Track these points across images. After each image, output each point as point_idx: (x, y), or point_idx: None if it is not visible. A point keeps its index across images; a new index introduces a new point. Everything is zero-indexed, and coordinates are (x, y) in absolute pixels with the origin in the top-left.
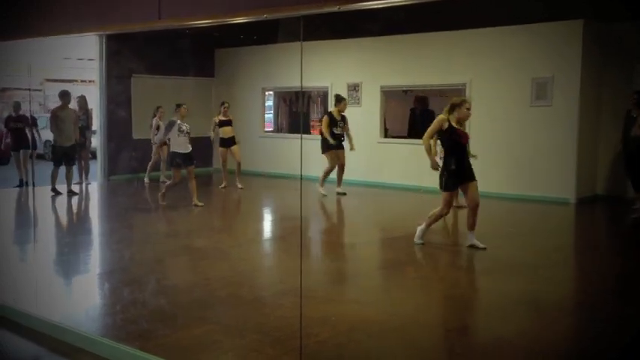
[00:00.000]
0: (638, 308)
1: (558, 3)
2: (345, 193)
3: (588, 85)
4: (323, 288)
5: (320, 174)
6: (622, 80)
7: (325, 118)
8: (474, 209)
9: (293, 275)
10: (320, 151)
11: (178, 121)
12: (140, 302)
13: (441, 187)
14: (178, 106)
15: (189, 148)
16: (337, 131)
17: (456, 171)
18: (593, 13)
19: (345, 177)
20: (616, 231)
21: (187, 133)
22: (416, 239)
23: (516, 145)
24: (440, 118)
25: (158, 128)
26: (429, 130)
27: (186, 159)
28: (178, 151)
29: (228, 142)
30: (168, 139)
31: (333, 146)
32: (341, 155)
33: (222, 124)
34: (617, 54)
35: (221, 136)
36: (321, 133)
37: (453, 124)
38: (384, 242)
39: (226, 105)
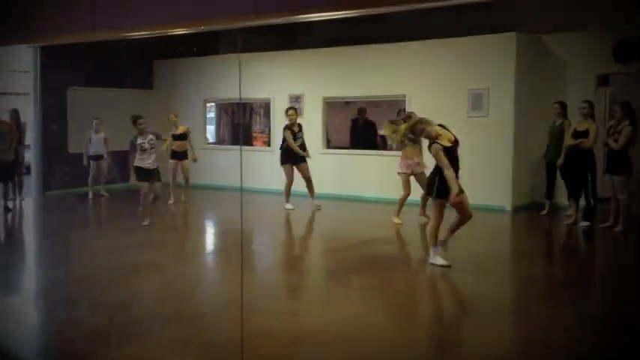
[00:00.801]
0: (566, 310)
1: (493, 17)
2: (319, 207)
3: (523, 95)
4: (265, 301)
5: (262, 185)
6: (553, 91)
7: (288, 133)
8: (463, 221)
9: (235, 289)
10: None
11: (139, 139)
12: (77, 321)
13: (430, 195)
14: (135, 119)
15: (152, 165)
16: (297, 143)
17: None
18: (526, 26)
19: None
20: (550, 238)
21: (149, 148)
22: (437, 262)
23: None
24: (437, 147)
25: (90, 141)
26: (445, 162)
27: (149, 174)
28: (141, 166)
29: (180, 156)
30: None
31: (292, 159)
32: (304, 168)
33: (175, 137)
34: (548, 65)
35: (173, 148)
36: (281, 146)
37: (443, 143)
38: (328, 253)
39: (173, 116)
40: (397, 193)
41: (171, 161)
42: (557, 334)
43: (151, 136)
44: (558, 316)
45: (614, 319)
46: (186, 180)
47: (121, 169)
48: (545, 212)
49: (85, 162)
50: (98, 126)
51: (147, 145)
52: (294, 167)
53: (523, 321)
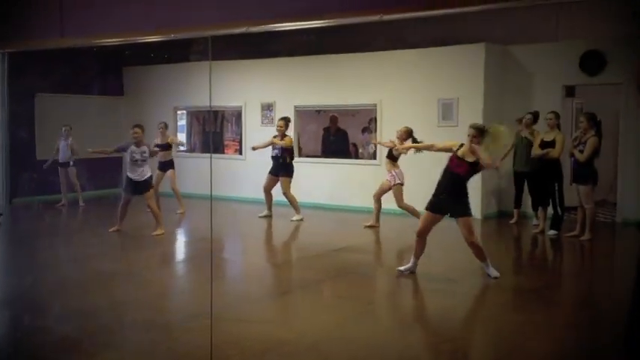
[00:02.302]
0: (529, 317)
1: (462, 28)
2: (301, 219)
3: (491, 105)
4: (234, 309)
5: (234, 194)
6: (521, 101)
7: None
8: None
9: (204, 297)
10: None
11: (132, 148)
12: (44, 330)
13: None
14: (135, 127)
15: (141, 176)
16: (274, 153)
17: (434, 194)
18: (494, 37)
19: (257, 197)
20: (518, 246)
21: (139, 159)
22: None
23: (425, 163)
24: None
25: (59, 148)
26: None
27: (135, 186)
28: (131, 177)
29: (167, 166)
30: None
31: (272, 171)
32: (283, 182)
33: (161, 147)
34: (516, 76)
35: (159, 159)
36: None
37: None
38: (299, 262)
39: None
40: (369, 202)
41: (158, 172)
42: (517, 341)
43: (144, 148)
44: (524, 323)
45: (577, 326)
46: (175, 190)
47: (89, 177)
48: (513, 221)
49: (45, 167)
50: (67, 132)
51: (138, 157)
52: (274, 177)
53: (488, 328)
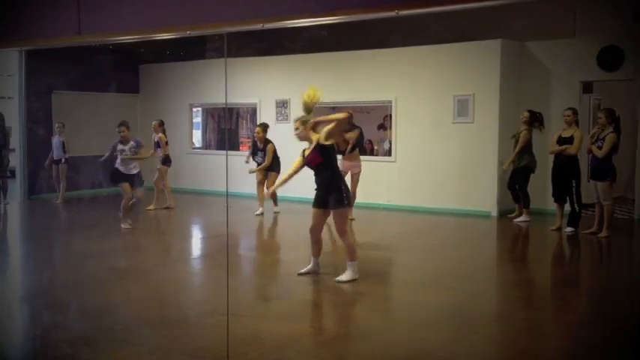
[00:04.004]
0: (552, 315)
1: (478, 24)
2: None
3: (507, 102)
4: (250, 305)
5: (251, 190)
6: (537, 97)
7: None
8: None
9: (220, 294)
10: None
11: (120, 146)
12: (62, 326)
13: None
14: (120, 126)
15: (131, 170)
16: (257, 159)
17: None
18: (510, 33)
19: (283, 194)
20: (536, 243)
21: (128, 154)
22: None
23: (440, 160)
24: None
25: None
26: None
27: (127, 178)
28: (120, 169)
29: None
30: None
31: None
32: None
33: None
34: (533, 72)
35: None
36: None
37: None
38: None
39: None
40: (384, 198)
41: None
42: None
43: (132, 143)
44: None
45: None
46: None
47: (84, 174)
48: (513, 215)
49: (46, 165)
50: (59, 129)
51: (127, 152)
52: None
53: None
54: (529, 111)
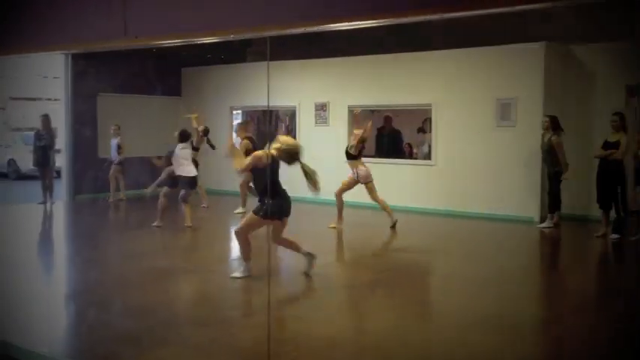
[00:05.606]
0: (601, 321)
1: (521, 26)
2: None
3: (551, 105)
4: (292, 307)
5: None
6: (582, 101)
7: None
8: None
9: (262, 295)
10: None
11: (176, 149)
12: (107, 323)
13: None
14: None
15: (190, 173)
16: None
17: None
18: (555, 35)
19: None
20: (580, 250)
21: (185, 157)
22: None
23: (482, 164)
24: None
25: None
26: None
27: (176, 181)
28: (176, 172)
29: None
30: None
31: None
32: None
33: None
34: (577, 75)
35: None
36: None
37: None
38: (353, 261)
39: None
40: (422, 202)
41: None
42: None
43: (185, 145)
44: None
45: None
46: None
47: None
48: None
49: (105, 166)
50: (115, 131)
51: (180, 152)
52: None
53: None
54: (548, 116)
